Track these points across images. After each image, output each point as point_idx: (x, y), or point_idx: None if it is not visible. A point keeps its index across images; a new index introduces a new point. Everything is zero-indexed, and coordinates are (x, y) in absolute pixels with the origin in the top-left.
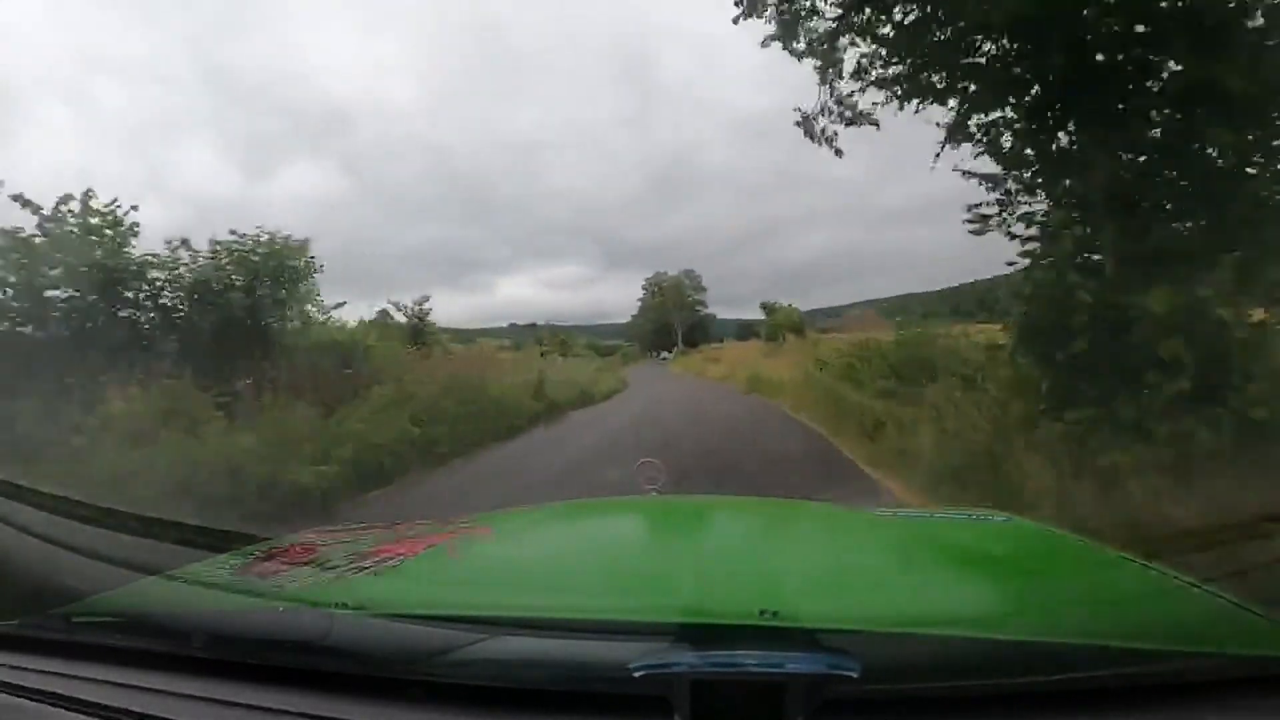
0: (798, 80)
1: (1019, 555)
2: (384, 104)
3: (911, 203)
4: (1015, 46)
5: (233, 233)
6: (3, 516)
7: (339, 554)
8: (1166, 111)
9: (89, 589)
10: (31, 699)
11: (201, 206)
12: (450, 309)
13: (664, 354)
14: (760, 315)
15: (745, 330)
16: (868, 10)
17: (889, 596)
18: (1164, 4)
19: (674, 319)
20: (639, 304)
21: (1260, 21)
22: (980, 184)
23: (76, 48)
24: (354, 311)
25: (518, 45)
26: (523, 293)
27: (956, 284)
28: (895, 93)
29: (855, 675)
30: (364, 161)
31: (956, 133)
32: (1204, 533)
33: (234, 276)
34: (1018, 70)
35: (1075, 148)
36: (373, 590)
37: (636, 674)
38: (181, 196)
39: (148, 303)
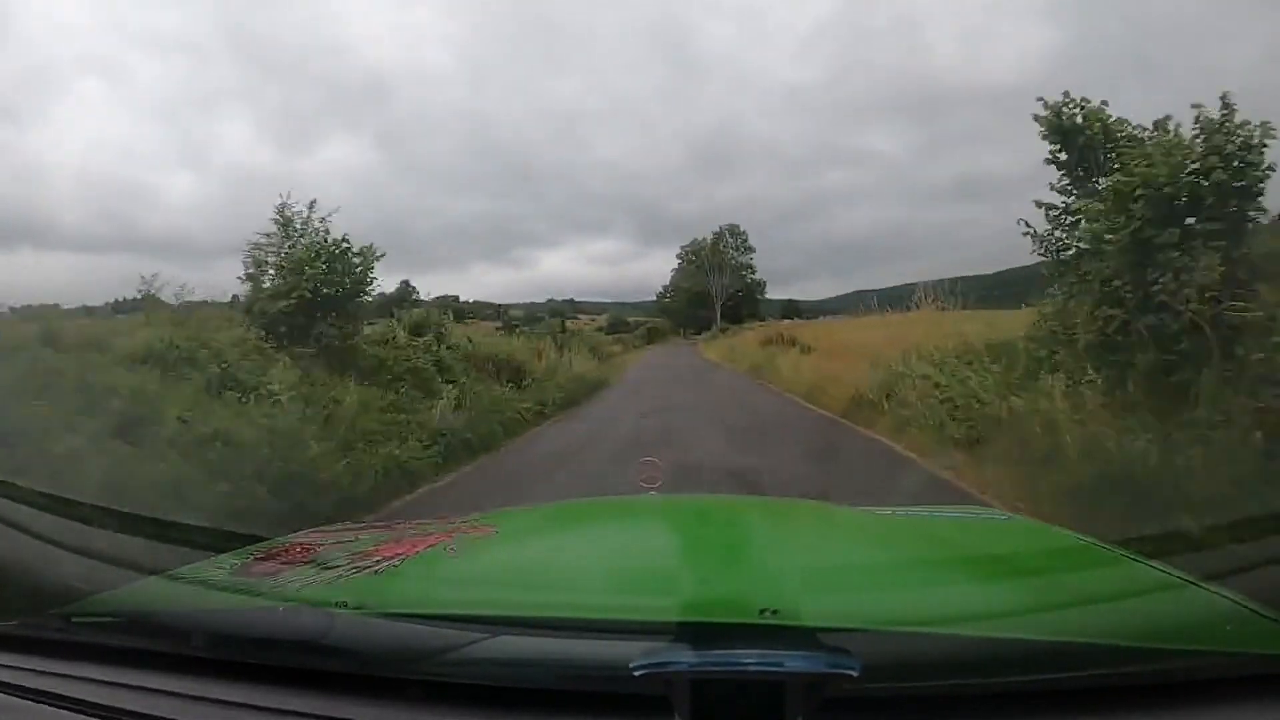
0: (837, 53)
1: (1019, 554)
2: (422, 72)
3: (961, 180)
4: None
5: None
6: (3, 516)
7: (339, 554)
8: None
9: (89, 589)
10: (31, 699)
11: (239, 180)
12: (491, 283)
13: (701, 333)
14: (802, 296)
15: (790, 310)
16: None
17: (889, 595)
18: None
19: (712, 286)
20: (673, 273)
21: None
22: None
23: (110, 21)
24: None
25: (557, 11)
26: (564, 267)
27: (1004, 268)
28: None
29: (855, 674)
30: (402, 132)
31: None
32: (1204, 532)
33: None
34: None
35: None
36: (373, 590)
37: (637, 673)
38: (219, 170)
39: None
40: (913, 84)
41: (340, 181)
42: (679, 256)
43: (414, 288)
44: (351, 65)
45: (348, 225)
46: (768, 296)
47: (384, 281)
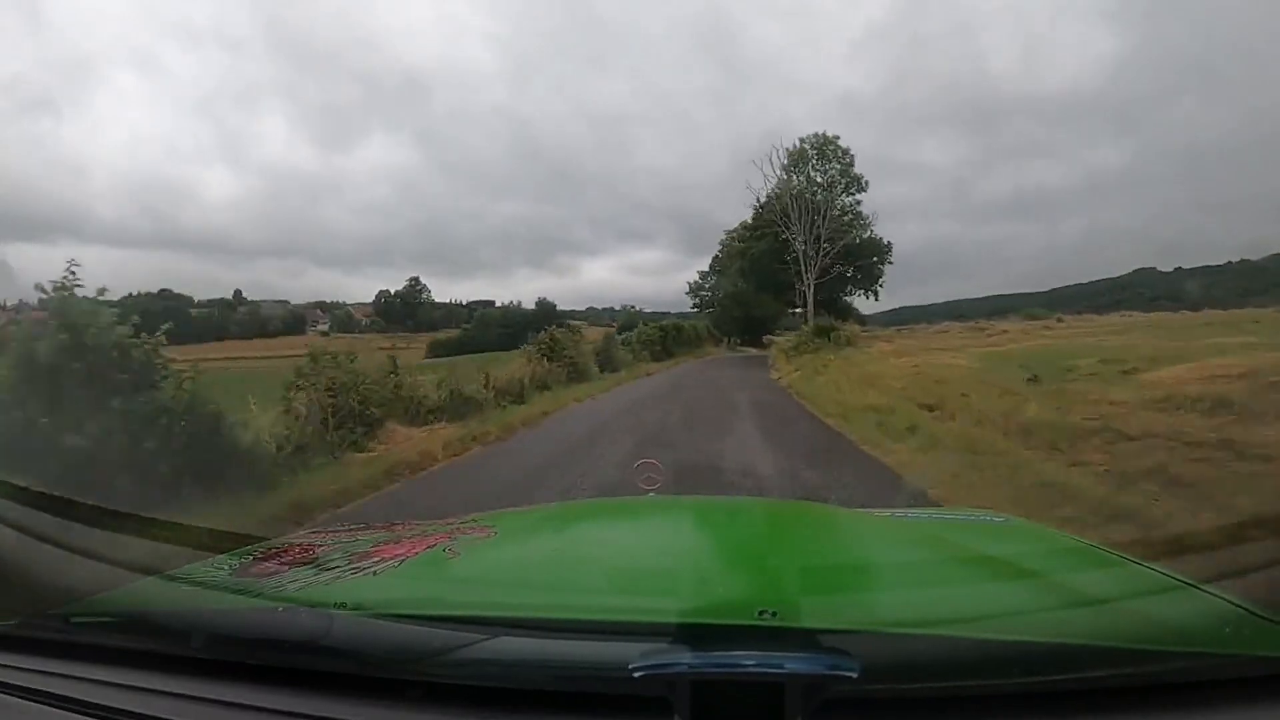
0: (890, 58)
1: (1019, 555)
2: (463, 71)
3: (1014, 195)
4: None
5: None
6: (2, 516)
7: (338, 554)
8: None
9: (89, 589)
10: (31, 699)
11: (277, 178)
12: (532, 291)
13: (765, 339)
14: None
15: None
16: None
17: (888, 597)
18: None
19: (796, 240)
20: (714, 259)
21: None
22: None
23: (144, 12)
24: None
25: (601, 9)
26: (608, 276)
27: (1053, 286)
28: None
29: (854, 675)
30: (443, 133)
31: None
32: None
33: None
34: None
35: None
36: (372, 590)
37: (636, 674)
38: (257, 168)
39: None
40: (968, 92)
41: (380, 181)
42: (735, 232)
43: (424, 285)
44: (389, 61)
45: (390, 226)
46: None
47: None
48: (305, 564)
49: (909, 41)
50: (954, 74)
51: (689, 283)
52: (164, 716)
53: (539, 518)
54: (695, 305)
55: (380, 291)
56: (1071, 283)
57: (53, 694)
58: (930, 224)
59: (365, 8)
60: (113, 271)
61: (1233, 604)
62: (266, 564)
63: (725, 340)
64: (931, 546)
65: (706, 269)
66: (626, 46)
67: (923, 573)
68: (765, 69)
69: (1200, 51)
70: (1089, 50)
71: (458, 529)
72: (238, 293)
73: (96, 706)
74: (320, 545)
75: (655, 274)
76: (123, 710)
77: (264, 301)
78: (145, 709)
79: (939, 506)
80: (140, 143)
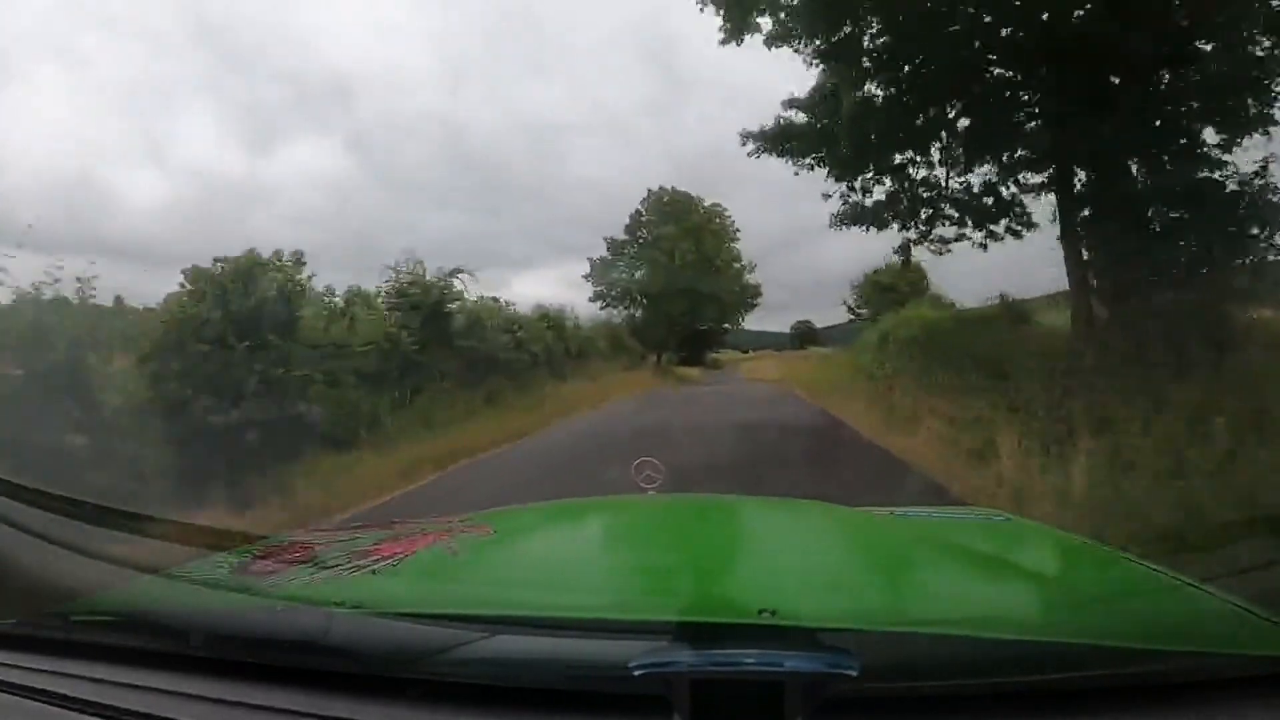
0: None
1: (1019, 555)
2: (392, 74)
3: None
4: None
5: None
6: (2, 516)
7: (337, 553)
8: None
9: (88, 588)
10: (31, 698)
11: (204, 181)
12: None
13: (710, 357)
14: (783, 329)
15: (770, 344)
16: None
17: (888, 596)
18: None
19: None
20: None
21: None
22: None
23: (54, 2)
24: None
25: (538, 12)
26: (540, 290)
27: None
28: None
29: (855, 674)
30: (372, 138)
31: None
32: (1204, 533)
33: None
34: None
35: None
36: (372, 589)
37: (636, 673)
38: (184, 169)
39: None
40: None
41: (308, 187)
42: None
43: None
44: (317, 60)
45: (318, 235)
46: (752, 328)
47: None
48: (305, 562)
49: None
50: None
51: (583, 276)
52: (164, 715)
53: (539, 516)
54: (602, 304)
55: None
56: (1029, 295)
57: (53, 693)
58: (877, 238)
59: (290, 4)
60: (32, 280)
61: (1233, 604)
62: (265, 562)
63: (657, 356)
64: (932, 545)
65: (614, 246)
66: (563, 52)
67: (923, 571)
68: (706, 78)
69: None
70: None
71: (457, 527)
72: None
73: (96, 705)
74: (320, 543)
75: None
76: (122, 709)
77: None
78: (145, 708)
79: (939, 507)
80: (56, 141)
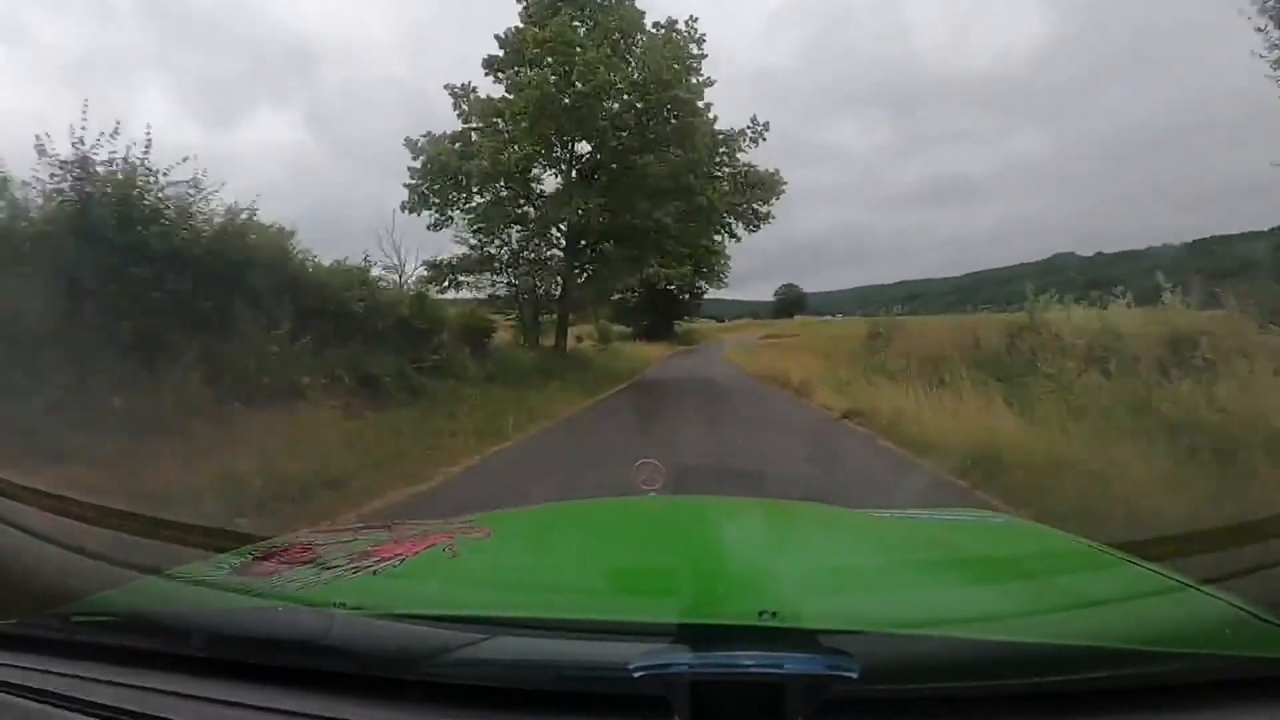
0: (810, 33)
1: (1019, 555)
2: (352, 42)
3: (932, 182)
4: None
5: None
6: (3, 516)
7: (338, 554)
8: None
9: (89, 589)
10: (31, 699)
11: (161, 156)
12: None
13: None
14: (757, 297)
15: (745, 313)
16: None
17: (888, 597)
18: None
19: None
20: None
21: None
22: None
23: None
24: None
25: None
26: None
27: (967, 271)
28: None
29: (854, 676)
30: (332, 109)
31: None
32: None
33: None
34: None
35: None
36: (372, 590)
37: (636, 674)
38: (140, 144)
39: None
40: (889, 72)
41: (270, 161)
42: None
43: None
44: (273, 27)
45: (280, 210)
46: (724, 297)
47: None
48: (305, 563)
49: (831, 15)
50: (876, 53)
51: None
52: (164, 715)
53: (539, 517)
54: (433, 275)
55: None
56: (986, 268)
57: (53, 693)
58: (844, 211)
59: None
60: None
61: (1232, 605)
62: (266, 564)
63: (526, 335)
64: (932, 547)
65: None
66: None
67: (923, 573)
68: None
69: (1130, 38)
70: (1018, 31)
71: (458, 529)
72: None
73: (97, 705)
74: (320, 545)
75: None
76: (123, 709)
77: None
78: (145, 708)
79: (939, 509)
80: (16, 117)
